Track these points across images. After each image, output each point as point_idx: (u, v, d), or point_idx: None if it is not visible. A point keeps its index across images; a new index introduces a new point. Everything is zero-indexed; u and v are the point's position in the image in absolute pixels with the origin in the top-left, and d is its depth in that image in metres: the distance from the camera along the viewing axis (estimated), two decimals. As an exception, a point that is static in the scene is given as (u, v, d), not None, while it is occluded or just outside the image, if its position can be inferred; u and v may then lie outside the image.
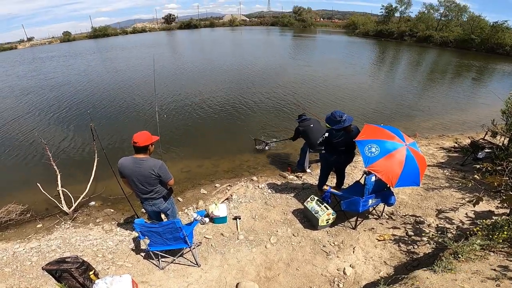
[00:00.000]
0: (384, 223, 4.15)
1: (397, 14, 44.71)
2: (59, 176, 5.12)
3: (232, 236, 4.02)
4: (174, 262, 3.52)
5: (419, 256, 3.48)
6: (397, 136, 3.49)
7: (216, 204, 4.28)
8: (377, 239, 3.83)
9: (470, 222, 3.99)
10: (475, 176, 3.78)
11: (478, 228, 3.29)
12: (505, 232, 2.92)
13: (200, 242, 3.87)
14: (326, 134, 4.03)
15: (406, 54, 25.39)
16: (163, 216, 3.66)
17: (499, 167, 3.85)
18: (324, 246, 3.78)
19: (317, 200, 4.10)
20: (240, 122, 8.86)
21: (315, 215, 3.95)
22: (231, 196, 4.96)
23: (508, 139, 5.32)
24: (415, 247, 3.64)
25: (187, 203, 4.95)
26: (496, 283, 2.37)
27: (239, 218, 4.29)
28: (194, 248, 3.53)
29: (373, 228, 4.03)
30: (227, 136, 7.88)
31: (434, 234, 3.73)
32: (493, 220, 3.36)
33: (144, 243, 3.55)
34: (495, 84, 14.43)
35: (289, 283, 3.28)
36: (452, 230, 3.85)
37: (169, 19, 67.44)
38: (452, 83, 14.22)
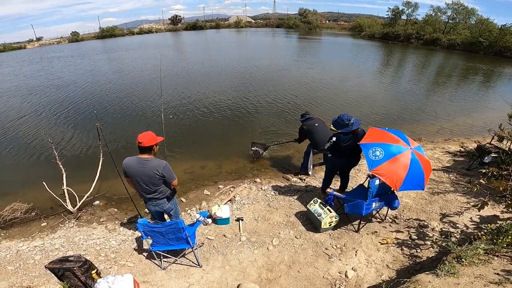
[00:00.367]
0: (387, 226, 4.12)
1: (403, 17, 44.51)
2: (64, 175, 5.18)
3: (234, 237, 4.02)
4: (176, 262, 3.53)
5: (422, 260, 3.45)
6: (402, 139, 3.46)
7: (219, 205, 4.29)
8: (380, 242, 3.80)
9: (474, 226, 3.95)
10: (481, 180, 3.73)
11: (482, 232, 3.26)
12: (510, 237, 2.89)
13: (202, 243, 3.88)
14: (334, 139, 3.99)
15: (412, 57, 25.22)
16: (166, 216, 3.68)
17: (505, 172, 3.80)
18: (326, 248, 3.76)
19: (320, 202, 4.09)
20: (244, 123, 8.86)
21: (318, 217, 3.93)
22: (234, 197, 4.97)
23: (515, 143, 5.25)
24: (418, 251, 3.60)
25: (190, 204, 4.96)
26: (499, 287, 2.34)
27: (242, 220, 4.29)
28: (196, 248, 3.54)
29: (376, 232, 4.00)
30: (231, 137, 7.88)
31: (438, 238, 3.70)
32: (498, 225, 3.34)
33: (147, 243, 3.57)
34: (503, 88, 14.26)
35: (290, 285, 3.27)
36: (456, 234, 3.81)
37: (175, 20, 67.96)
38: (459, 87, 14.08)
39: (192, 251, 3.51)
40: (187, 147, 7.26)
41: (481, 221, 4.01)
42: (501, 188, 3.34)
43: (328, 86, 13.00)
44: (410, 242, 3.76)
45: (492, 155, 5.24)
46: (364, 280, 3.27)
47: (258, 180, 5.61)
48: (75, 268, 2.89)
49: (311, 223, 4.20)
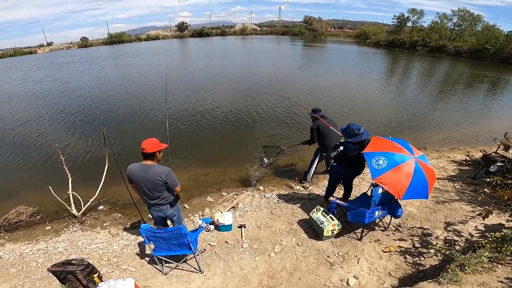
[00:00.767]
0: (390, 234, 4.08)
1: (409, 24, 44.56)
2: (70, 180, 5.25)
3: (237, 244, 4.02)
4: (177, 267, 3.54)
5: (425, 268, 3.40)
6: (406, 148, 3.45)
7: (221, 212, 4.30)
8: (382, 250, 3.77)
9: (479, 235, 3.90)
10: (485, 189, 3.70)
11: (486, 240, 3.22)
12: None
13: (204, 249, 3.88)
14: (341, 148, 3.97)
15: (418, 65, 25.16)
16: (169, 222, 3.70)
17: (510, 181, 3.77)
18: (328, 256, 3.74)
19: (323, 210, 4.07)
20: (248, 130, 8.90)
21: (320, 225, 3.92)
22: (237, 204, 4.98)
23: (521, 153, 5.21)
24: (421, 259, 3.56)
25: (193, 210, 4.99)
26: None
27: (244, 227, 4.29)
28: (198, 254, 3.55)
29: (379, 240, 3.97)
30: (235, 145, 7.92)
31: (441, 246, 3.65)
32: (502, 233, 3.29)
33: (149, 248, 3.60)
34: (509, 96, 14.13)
35: (291, 293, 3.24)
36: (460, 243, 3.76)
37: (182, 27, 68.98)
38: (465, 95, 13.98)
39: (194, 256, 3.52)
40: (191, 154, 7.32)
41: (486, 229, 3.96)
42: (505, 197, 3.30)
43: (332, 94, 13.01)
44: (413, 250, 3.72)
45: (498, 164, 5.19)
46: (366, 288, 3.24)
47: (261, 187, 5.62)
48: (77, 272, 2.91)
49: (313, 230, 4.19)
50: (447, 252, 3.25)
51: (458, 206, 4.63)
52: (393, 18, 46.24)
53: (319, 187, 5.52)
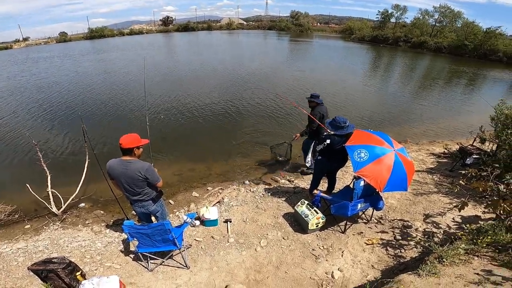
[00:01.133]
0: (373, 227, 4.19)
1: (392, 20, 45.33)
2: (49, 177, 5.07)
3: (223, 239, 4.02)
4: (163, 264, 3.51)
5: (406, 260, 3.51)
6: (386, 141, 3.54)
7: (207, 207, 4.28)
8: (365, 243, 3.87)
9: (456, 226, 4.05)
10: (460, 181, 3.84)
11: (463, 232, 3.34)
12: (489, 237, 2.97)
13: (190, 245, 3.87)
14: (328, 141, 3.99)
15: (400, 60, 25.70)
16: (153, 218, 3.65)
17: (484, 173, 3.91)
18: (313, 249, 3.80)
19: (308, 204, 4.13)
20: (233, 124, 8.90)
21: (305, 219, 3.97)
22: (223, 199, 4.98)
23: (496, 145, 5.39)
24: (402, 251, 3.68)
25: (178, 206, 4.94)
26: (479, 287, 2.40)
27: (230, 221, 4.30)
28: (184, 250, 3.53)
29: (362, 232, 4.07)
30: (221, 139, 7.88)
31: (421, 238, 3.79)
32: (478, 225, 3.43)
33: (133, 245, 3.54)
34: (486, 91, 14.69)
35: (277, 286, 3.29)
36: (438, 235, 3.90)
37: (166, 21, 67.44)
38: (444, 90, 14.43)
39: (180, 252, 3.50)
40: (176, 149, 7.24)
41: (463, 221, 4.12)
42: (480, 189, 3.43)
43: (316, 88, 13.02)
44: (394, 243, 3.84)
45: (474, 156, 5.40)
46: (350, 280, 3.32)
47: (247, 181, 5.64)
48: (58, 270, 2.85)
49: (298, 224, 4.24)
50: (426, 244, 3.36)
51: (436, 198, 4.80)
52: (377, 14, 46.95)
53: (304, 181, 5.59)
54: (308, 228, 3.97)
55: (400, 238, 3.91)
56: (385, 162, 3.34)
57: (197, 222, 4.25)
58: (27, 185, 4.97)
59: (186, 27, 60.42)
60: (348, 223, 4.11)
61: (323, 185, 5.10)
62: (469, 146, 5.79)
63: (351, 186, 4.04)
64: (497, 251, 2.95)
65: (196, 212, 4.39)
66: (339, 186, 5.02)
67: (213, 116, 9.59)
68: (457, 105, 11.64)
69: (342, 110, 10.26)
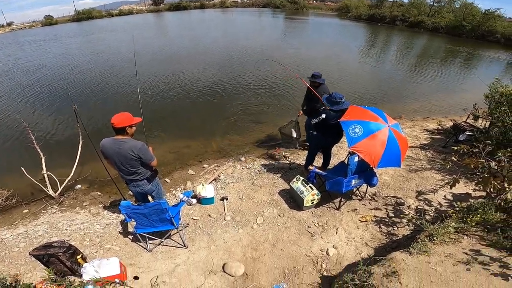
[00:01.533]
0: (366, 204, 4.27)
1: (390, -1, 44.15)
2: (43, 160, 5.02)
3: (219, 217, 4.07)
4: (161, 244, 3.56)
5: (398, 238, 3.61)
6: (380, 117, 3.54)
7: (203, 185, 4.29)
8: (359, 220, 3.95)
9: (448, 204, 4.14)
10: (453, 158, 3.88)
11: (453, 210, 3.41)
12: (479, 215, 3.04)
13: (188, 224, 3.92)
14: (323, 116, 4.00)
15: (396, 39, 25.30)
16: (150, 198, 3.65)
17: (476, 150, 3.95)
18: (309, 227, 3.88)
19: (303, 180, 4.17)
20: (227, 102, 8.83)
21: (301, 195, 4.02)
22: (219, 176, 4.99)
23: (489, 122, 5.45)
24: (395, 228, 3.77)
25: (175, 184, 4.95)
26: (467, 267, 2.48)
27: (226, 199, 4.33)
28: (182, 229, 3.57)
29: (356, 209, 4.15)
30: (215, 116, 7.82)
31: (413, 215, 3.87)
32: (469, 203, 3.49)
33: (131, 226, 3.58)
34: (481, 70, 14.61)
35: (274, 263, 3.37)
36: (430, 212, 3.99)
37: (157, 0, 64.98)
38: (440, 69, 14.31)
39: (178, 232, 3.55)
40: (171, 127, 7.19)
41: (454, 199, 4.20)
42: (472, 166, 3.47)
43: (311, 67, 12.91)
44: (387, 220, 3.93)
45: (467, 133, 5.44)
46: (344, 257, 3.41)
47: (242, 158, 5.66)
48: (59, 254, 2.88)
49: (294, 201, 4.30)
50: (418, 222, 3.44)
51: (429, 175, 4.88)
52: (375, -8, 45.55)
53: (300, 157, 5.62)
54: (304, 205, 4.03)
55: (393, 215, 4.00)
56: (379, 138, 3.35)
57: (194, 201, 4.28)
58: (22, 168, 4.92)
59: (178, 6, 58.24)
60: (342, 199, 4.19)
61: (318, 161, 5.13)
62: (462, 123, 5.83)
63: (346, 162, 4.07)
64: (486, 230, 3.03)
65: (193, 190, 4.41)
66: (334, 162, 5.05)
67: (207, 93, 9.50)
68: (452, 84, 11.61)
69: (336, 87, 10.15)
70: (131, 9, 59.00)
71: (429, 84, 11.29)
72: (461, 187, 4.38)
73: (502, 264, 2.50)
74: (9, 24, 49.68)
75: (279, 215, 4.08)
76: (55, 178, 4.90)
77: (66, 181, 4.87)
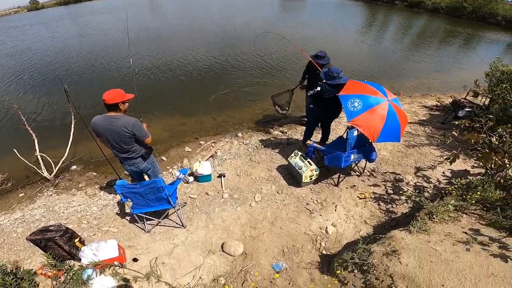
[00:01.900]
0: (365, 180, 4.24)
1: (388, -23, 42.92)
2: (36, 141, 4.91)
3: (217, 194, 4.04)
4: (159, 224, 3.52)
5: (397, 215, 3.60)
6: (380, 91, 3.47)
7: (200, 162, 4.21)
8: (358, 196, 3.93)
9: (446, 181, 4.12)
10: (453, 132, 3.83)
11: (453, 187, 3.38)
12: (479, 193, 3.01)
13: (185, 202, 3.88)
14: (318, 88, 3.97)
15: (395, 19, 24.78)
16: (146, 176, 3.59)
17: (477, 125, 3.91)
18: (307, 204, 3.86)
19: (301, 155, 4.12)
20: (223, 77, 8.70)
21: (299, 171, 3.98)
22: (216, 153, 4.93)
23: (489, 99, 5.44)
24: (393, 206, 3.75)
25: (171, 162, 4.89)
26: (467, 247, 2.47)
27: (224, 176, 4.28)
28: (179, 209, 3.53)
29: (355, 186, 4.12)
30: (211, 92, 7.67)
31: (412, 192, 3.86)
32: (468, 180, 3.47)
33: (128, 206, 3.52)
34: (481, 50, 14.41)
35: (273, 242, 3.35)
36: (429, 189, 3.97)
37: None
38: (439, 48, 14.07)
39: (175, 211, 3.51)
40: (166, 104, 7.08)
41: (452, 175, 4.19)
42: (472, 141, 3.42)
43: (308, 46, 12.63)
44: (386, 197, 3.91)
45: (467, 109, 5.41)
46: (343, 236, 3.39)
47: (239, 134, 5.60)
48: (56, 238, 2.84)
49: (292, 177, 4.26)
50: (417, 199, 3.42)
51: (427, 151, 4.85)
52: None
53: (297, 132, 5.56)
54: (302, 181, 4.00)
55: (392, 192, 3.98)
56: (378, 112, 3.29)
57: (191, 178, 4.23)
58: (15, 150, 4.82)
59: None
60: (341, 175, 4.15)
61: (317, 136, 5.08)
62: (462, 99, 5.79)
63: (345, 136, 4.02)
64: (485, 209, 3.01)
65: (189, 168, 4.34)
66: (332, 137, 4.99)
67: (203, 69, 9.33)
68: (451, 63, 11.45)
69: (333, 63, 9.98)
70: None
71: (427, 63, 11.13)
72: (460, 164, 4.36)
73: (501, 245, 2.49)
74: (-8, 10, 47.86)
75: (277, 192, 4.06)
76: (49, 160, 4.81)
77: (61, 162, 4.77)
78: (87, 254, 2.81)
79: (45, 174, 4.54)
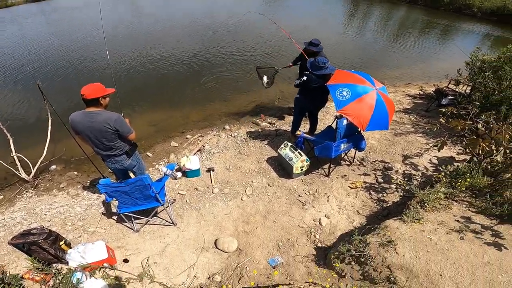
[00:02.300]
0: (355, 169, 4.26)
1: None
2: (11, 141, 4.60)
3: (207, 189, 3.94)
4: (149, 223, 3.40)
5: (388, 204, 3.63)
6: (368, 80, 3.49)
7: (187, 157, 4.10)
8: (349, 186, 3.95)
9: (433, 168, 4.20)
10: (440, 119, 3.90)
11: (442, 175, 3.42)
12: (468, 180, 3.06)
13: (174, 199, 3.77)
14: (304, 78, 3.94)
15: (376, 10, 25.16)
16: (131, 174, 3.43)
17: (463, 112, 3.98)
18: (299, 195, 3.83)
19: (291, 146, 4.08)
20: (207, 70, 8.45)
21: (289, 162, 3.95)
22: (203, 147, 4.82)
23: (470, 87, 5.62)
24: (384, 195, 3.79)
25: (157, 158, 4.75)
26: (460, 235, 2.51)
27: (213, 170, 4.19)
28: (168, 206, 3.43)
29: (346, 175, 4.13)
30: (195, 85, 7.48)
31: (401, 181, 3.91)
32: (455, 167, 3.52)
33: (113, 205, 3.38)
34: (458, 41, 14.85)
35: (267, 236, 3.31)
36: (417, 177, 4.03)
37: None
38: (419, 39, 14.40)
39: (164, 209, 3.40)
40: (148, 99, 6.82)
41: (439, 162, 4.27)
42: (459, 127, 3.48)
43: (293, 37, 12.61)
44: (377, 186, 3.94)
45: (449, 97, 5.55)
46: (337, 227, 3.39)
47: (227, 127, 5.51)
48: (40, 241, 2.69)
49: (283, 169, 4.23)
50: (407, 188, 3.47)
51: (413, 138, 4.93)
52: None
53: (286, 123, 5.53)
54: (293, 173, 3.97)
55: (382, 181, 4.02)
56: (367, 101, 3.30)
57: (179, 174, 4.11)
58: (-12, 151, 4.52)
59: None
60: (332, 165, 4.14)
61: (305, 126, 5.06)
62: (444, 88, 5.93)
63: (334, 126, 4.02)
64: (474, 196, 3.07)
65: (177, 163, 4.21)
66: (320, 127, 4.99)
67: (185, 62, 9.02)
68: (431, 53, 11.74)
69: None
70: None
71: (409, 54, 11.36)
72: (446, 151, 4.44)
73: (493, 232, 2.55)
74: (-44, 10, 44.77)
75: (268, 185, 4.00)
76: (27, 160, 4.53)
77: (39, 162, 4.50)
78: (74, 257, 2.68)
79: (23, 175, 4.29)
